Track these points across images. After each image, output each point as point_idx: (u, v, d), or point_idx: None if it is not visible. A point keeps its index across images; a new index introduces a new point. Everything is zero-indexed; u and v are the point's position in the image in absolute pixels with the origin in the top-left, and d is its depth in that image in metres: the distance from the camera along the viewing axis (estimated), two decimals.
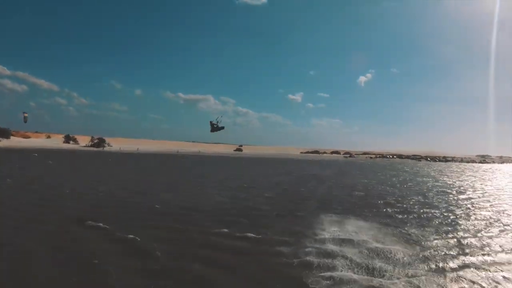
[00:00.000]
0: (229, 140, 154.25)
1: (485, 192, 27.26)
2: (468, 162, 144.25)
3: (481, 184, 35.71)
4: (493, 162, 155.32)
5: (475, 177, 48.11)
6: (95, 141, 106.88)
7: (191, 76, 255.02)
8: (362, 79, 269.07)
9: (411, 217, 15.55)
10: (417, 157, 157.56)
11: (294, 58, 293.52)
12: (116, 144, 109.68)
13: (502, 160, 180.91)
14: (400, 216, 15.61)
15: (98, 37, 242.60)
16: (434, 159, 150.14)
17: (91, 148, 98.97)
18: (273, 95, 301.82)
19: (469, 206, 19.61)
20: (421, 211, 17.25)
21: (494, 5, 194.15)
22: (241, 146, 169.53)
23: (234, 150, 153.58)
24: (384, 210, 17.19)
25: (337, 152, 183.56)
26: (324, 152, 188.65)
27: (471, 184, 34.73)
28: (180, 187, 23.68)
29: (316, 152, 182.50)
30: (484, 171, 71.03)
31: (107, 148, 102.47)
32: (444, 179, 41.25)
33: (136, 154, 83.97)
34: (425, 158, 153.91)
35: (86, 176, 27.62)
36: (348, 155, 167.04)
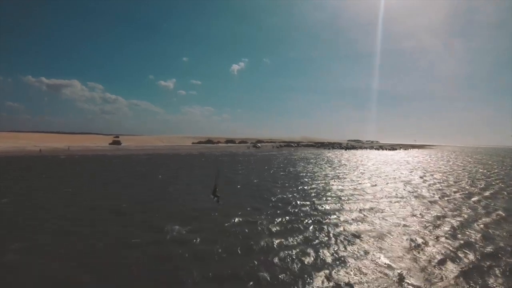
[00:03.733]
0: (100, 130, 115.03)
1: None
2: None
3: None
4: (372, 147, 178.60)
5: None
6: None
7: (56, 59, 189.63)
8: (235, 67, 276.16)
9: None
10: (324, 145, 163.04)
11: (167, 44, 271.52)
12: None
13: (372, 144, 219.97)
14: None
15: None
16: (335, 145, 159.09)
17: None
18: (144, 81, 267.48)
19: None
20: None
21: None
22: (117, 137, 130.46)
23: (110, 144, 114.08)
24: None
25: (244, 142, 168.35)
26: (219, 142, 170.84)
27: None
28: None
29: (210, 141, 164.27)
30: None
31: None
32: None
33: None
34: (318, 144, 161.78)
35: None
36: (257, 145, 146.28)
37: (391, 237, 12.65)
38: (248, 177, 29.04)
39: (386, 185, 26.47)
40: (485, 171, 43.84)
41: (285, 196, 20.20)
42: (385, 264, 9.99)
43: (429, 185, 27.74)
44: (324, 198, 19.88)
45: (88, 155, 59.49)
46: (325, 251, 10.80)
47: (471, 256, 10.88)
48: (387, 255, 10.74)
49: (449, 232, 13.65)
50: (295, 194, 20.96)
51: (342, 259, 10.25)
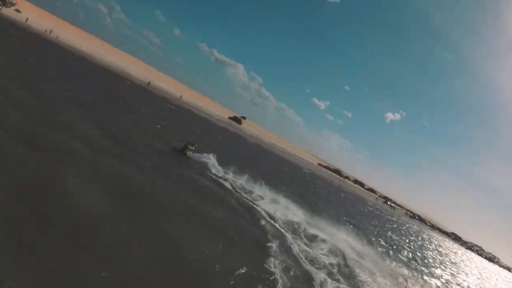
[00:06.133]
0: (233, 107, 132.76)
1: None
2: None
3: None
4: None
5: None
6: None
7: (233, 39, 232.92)
8: (390, 115, 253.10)
9: None
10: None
11: (337, 67, 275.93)
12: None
13: None
14: None
15: None
16: None
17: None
18: (299, 92, 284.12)
19: None
20: None
21: None
22: (243, 117, 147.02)
23: (230, 117, 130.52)
24: None
25: (372, 190, 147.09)
26: (347, 178, 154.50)
27: None
28: None
29: (338, 172, 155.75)
30: None
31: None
32: None
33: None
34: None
35: None
36: (387, 202, 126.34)
37: None
38: None
39: None
40: None
41: None
42: None
43: None
44: None
45: (193, 111, 70.27)
46: None
47: None
48: None
49: None
50: None
51: None
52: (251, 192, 16.11)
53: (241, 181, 17.13)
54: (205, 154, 17.83)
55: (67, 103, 15.47)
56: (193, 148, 17.57)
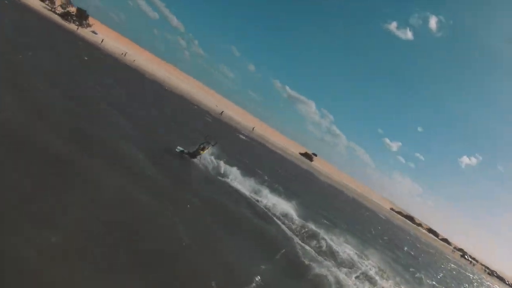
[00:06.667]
0: (303, 142, 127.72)
1: None
2: None
3: None
4: None
5: None
6: None
7: (306, 77, 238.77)
8: (465, 159, 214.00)
9: None
10: None
11: (411, 107, 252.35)
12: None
13: None
14: None
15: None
16: None
17: None
18: (371, 131, 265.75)
19: None
20: None
21: None
22: (315, 154, 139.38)
23: (301, 153, 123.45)
24: None
25: (446, 241, 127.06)
26: (420, 225, 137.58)
27: None
28: None
29: (411, 219, 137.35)
30: None
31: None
32: None
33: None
34: None
35: None
36: (465, 256, 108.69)
37: None
38: None
39: None
40: None
41: None
42: None
43: None
44: None
45: (265, 144, 66.00)
46: None
47: None
48: None
49: None
50: None
51: None
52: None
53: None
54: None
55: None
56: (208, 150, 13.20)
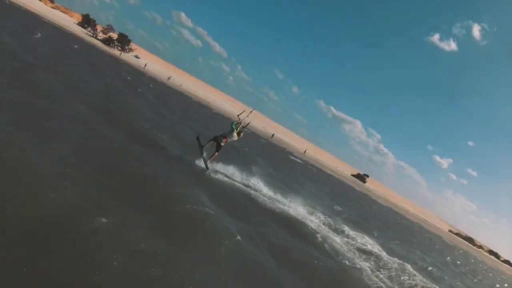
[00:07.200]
0: (351, 163, 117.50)
1: None
2: None
3: None
4: None
5: None
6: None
7: (351, 96, 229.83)
8: None
9: None
10: None
11: (460, 121, 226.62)
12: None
13: None
14: None
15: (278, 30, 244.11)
16: None
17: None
18: (420, 149, 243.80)
19: None
20: None
21: None
22: (366, 175, 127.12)
23: (353, 175, 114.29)
24: None
25: (508, 263, 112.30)
26: (481, 247, 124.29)
27: None
28: None
29: (470, 240, 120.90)
30: None
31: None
32: None
33: None
34: None
35: None
36: None
37: None
38: None
39: None
40: None
41: None
42: None
43: None
44: None
45: (317, 169, 58.69)
46: None
47: None
48: None
49: None
50: None
51: None
52: None
53: None
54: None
55: None
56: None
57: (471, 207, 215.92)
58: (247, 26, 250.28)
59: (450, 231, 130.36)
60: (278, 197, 11.02)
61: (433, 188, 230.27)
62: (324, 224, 10.98)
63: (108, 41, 61.86)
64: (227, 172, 10.41)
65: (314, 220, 10.84)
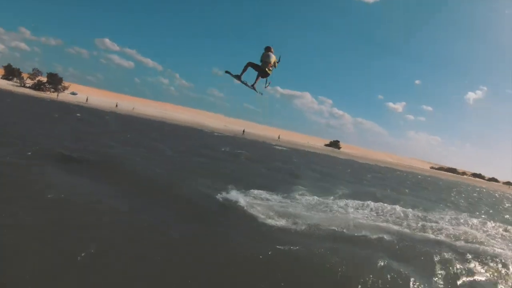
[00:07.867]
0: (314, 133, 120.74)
1: None
2: None
3: None
4: None
5: None
6: None
7: (291, 72, 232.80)
8: (471, 95, 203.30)
9: None
10: None
11: (400, 65, 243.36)
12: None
13: None
14: None
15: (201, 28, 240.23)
16: None
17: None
18: (372, 101, 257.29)
19: None
20: None
21: None
22: (337, 141, 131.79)
23: (326, 145, 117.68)
24: None
25: (494, 180, 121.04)
26: (464, 173, 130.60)
27: None
28: None
29: (453, 170, 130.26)
30: None
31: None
32: None
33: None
34: None
35: None
36: None
37: None
38: None
39: None
40: None
41: None
42: None
43: None
44: None
45: (295, 147, 59.75)
46: None
47: None
48: None
49: None
50: None
51: None
52: None
53: None
54: None
55: None
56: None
57: (437, 140, 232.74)
58: (172, 33, 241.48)
59: (432, 167, 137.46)
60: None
61: (395, 133, 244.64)
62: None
63: (38, 86, 56.35)
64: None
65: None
